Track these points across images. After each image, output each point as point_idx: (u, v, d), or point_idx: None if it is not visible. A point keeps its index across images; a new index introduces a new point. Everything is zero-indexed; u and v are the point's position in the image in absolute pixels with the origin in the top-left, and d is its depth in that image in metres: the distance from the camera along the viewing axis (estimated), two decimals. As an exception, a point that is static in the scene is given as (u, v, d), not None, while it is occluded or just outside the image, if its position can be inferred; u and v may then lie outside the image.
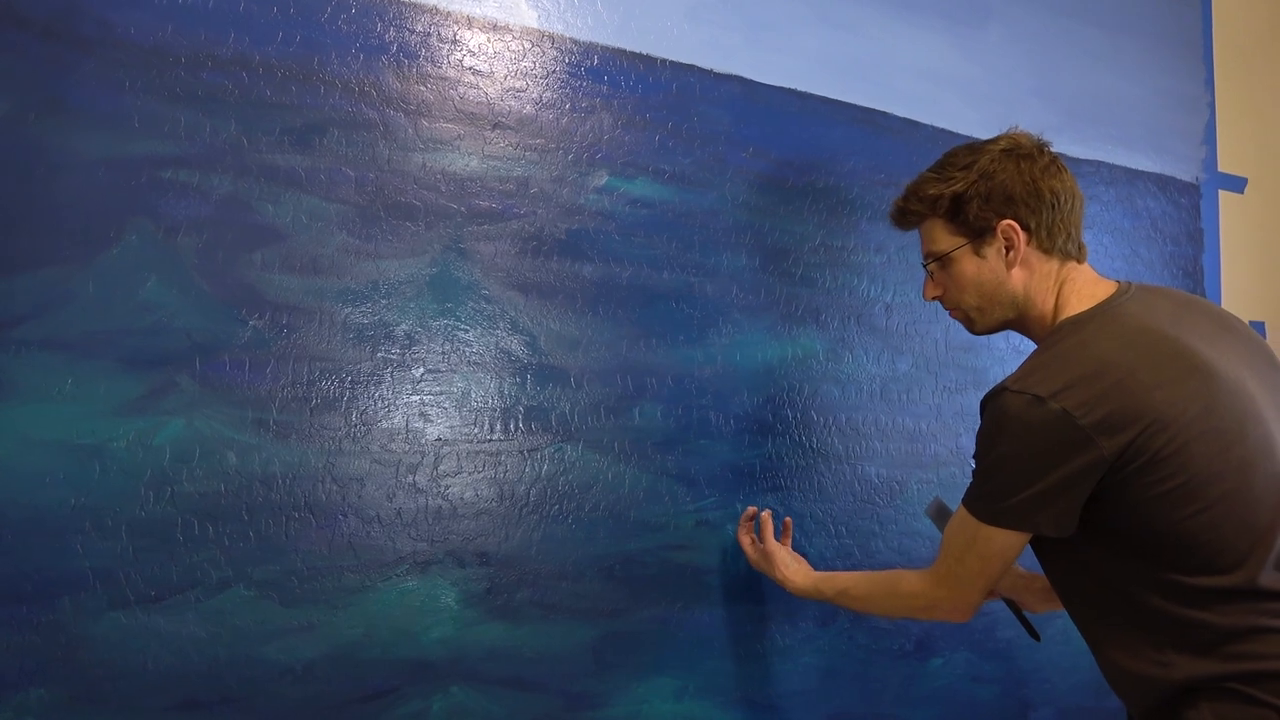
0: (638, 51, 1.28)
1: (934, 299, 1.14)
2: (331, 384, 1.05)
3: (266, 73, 1.06)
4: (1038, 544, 1.02)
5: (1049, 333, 1.04)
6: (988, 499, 0.97)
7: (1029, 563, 1.14)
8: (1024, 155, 1.06)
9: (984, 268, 1.07)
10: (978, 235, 1.06)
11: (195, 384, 0.99)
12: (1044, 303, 1.06)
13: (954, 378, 1.48)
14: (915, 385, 1.44)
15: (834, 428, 1.37)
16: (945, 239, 1.09)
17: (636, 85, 1.28)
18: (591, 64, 1.25)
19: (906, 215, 1.13)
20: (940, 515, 1.22)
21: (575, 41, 1.24)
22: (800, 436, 1.34)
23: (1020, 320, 1.09)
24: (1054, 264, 1.06)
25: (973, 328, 1.13)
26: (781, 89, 1.38)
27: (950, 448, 1.46)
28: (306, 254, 1.06)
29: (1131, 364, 0.93)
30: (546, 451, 1.16)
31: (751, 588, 1.28)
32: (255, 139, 1.04)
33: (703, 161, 1.31)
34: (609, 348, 1.21)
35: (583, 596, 1.16)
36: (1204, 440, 0.91)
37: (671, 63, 1.30)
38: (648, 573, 1.21)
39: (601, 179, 1.24)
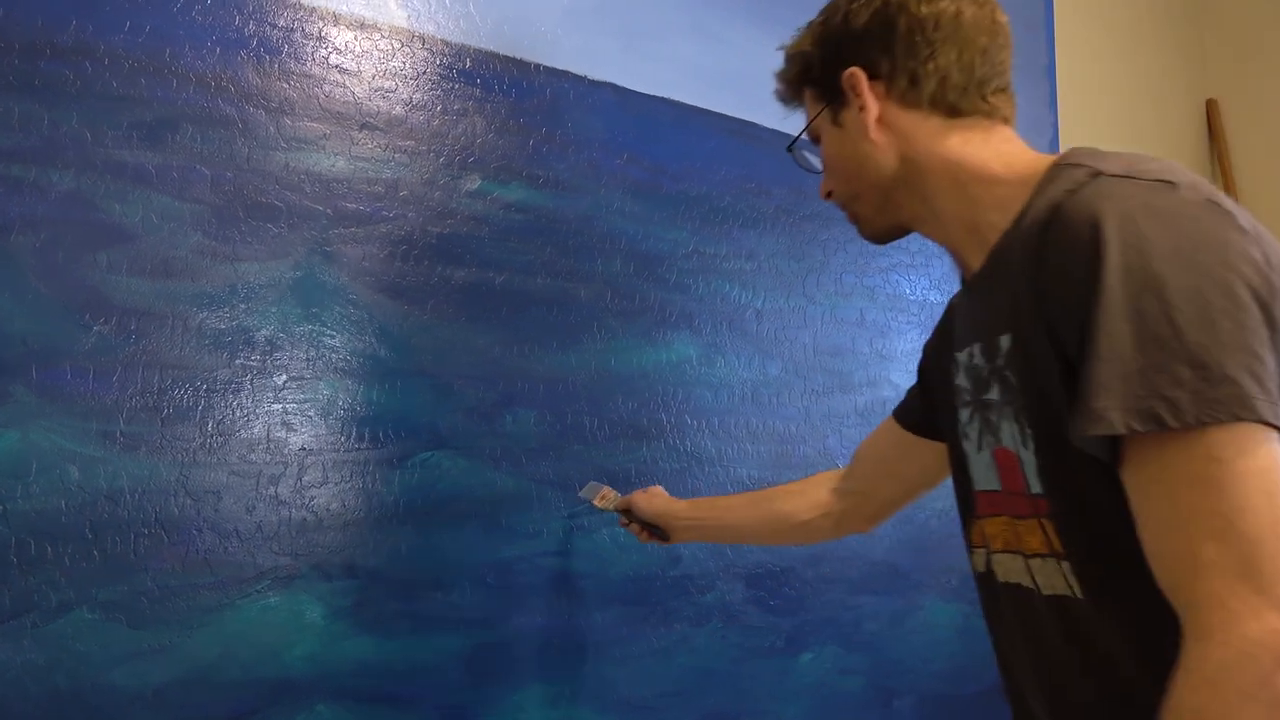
0: (511, 56, 1.27)
1: (826, 197, 0.88)
2: (185, 392, 1.00)
3: (113, 63, 1.00)
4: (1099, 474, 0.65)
5: (1010, 191, 0.72)
6: (1222, 383, 0.57)
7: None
8: None
9: (844, 140, 0.81)
10: (832, 97, 0.81)
11: (31, 394, 0.92)
12: (945, 173, 0.77)
13: (821, 381, 1.53)
14: (785, 389, 1.49)
15: (707, 431, 1.39)
16: (811, 111, 0.85)
17: (510, 90, 1.27)
18: (464, 66, 1.23)
19: (782, 85, 0.88)
20: (593, 492, 1.21)
21: (447, 43, 1.22)
22: (674, 440, 1.36)
23: (914, 208, 0.80)
24: (937, 122, 0.77)
25: (861, 227, 0.86)
26: (655, 97, 1.40)
27: (818, 449, 1.51)
28: (157, 255, 1.00)
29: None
30: (417, 459, 1.13)
31: (626, 591, 1.29)
32: (100, 133, 0.98)
33: (577, 167, 1.31)
34: (481, 354, 1.20)
35: (455, 606, 1.14)
36: None
37: (546, 68, 1.30)
38: (522, 580, 1.20)
39: (474, 183, 1.22)
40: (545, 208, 1.28)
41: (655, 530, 1.18)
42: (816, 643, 1.47)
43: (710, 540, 1.25)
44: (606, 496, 1.21)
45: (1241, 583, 0.54)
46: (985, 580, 0.81)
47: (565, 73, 1.32)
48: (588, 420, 1.28)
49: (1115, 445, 0.61)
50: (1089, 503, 0.66)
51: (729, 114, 1.47)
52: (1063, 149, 2.04)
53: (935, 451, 0.95)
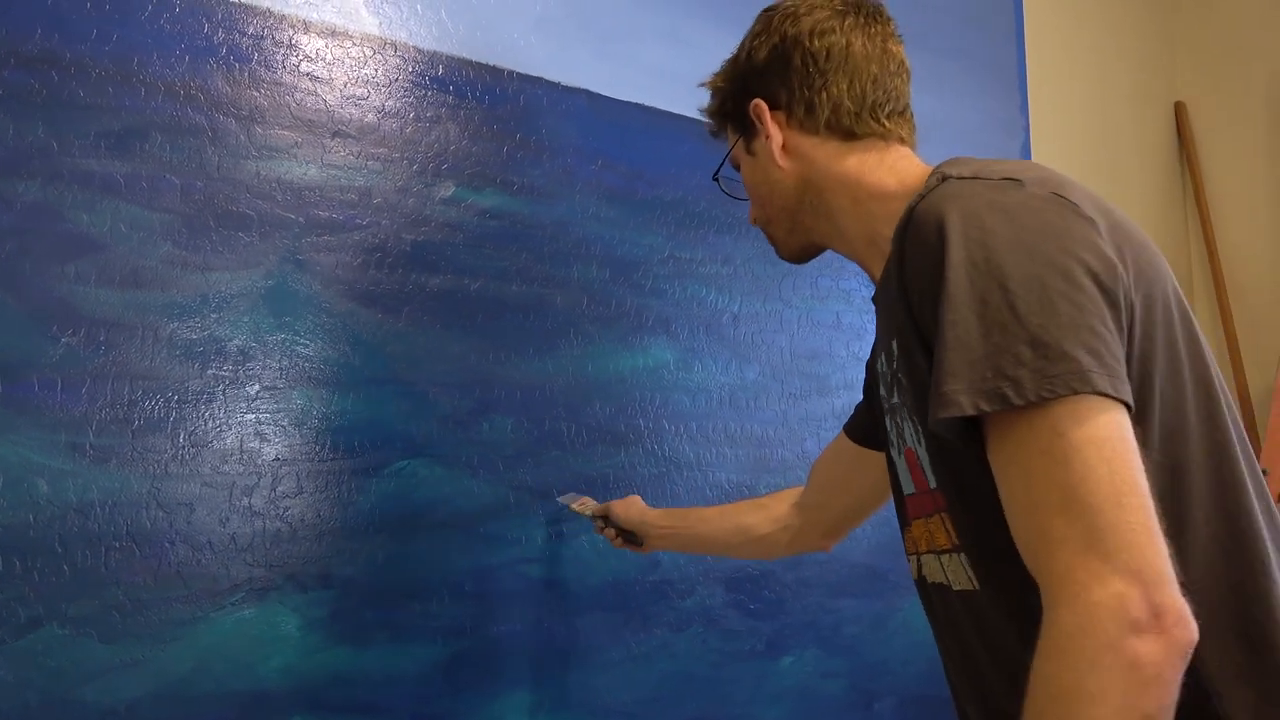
0: (484, 63, 1.27)
1: (753, 223, 0.94)
2: (156, 404, 0.99)
3: (79, 72, 0.99)
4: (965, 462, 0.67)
5: (891, 203, 0.77)
6: (1061, 359, 0.58)
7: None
8: (801, 14, 0.83)
9: (756, 167, 0.87)
10: (744, 128, 0.87)
11: (-2, 407, 0.91)
12: (844, 191, 0.81)
13: (799, 385, 1.54)
14: (762, 393, 1.49)
15: (685, 436, 1.40)
16: (730, 142, 0.92)
17: (483, 96, 1.27)
18: (436, 73, 1.23)
19: (707, 119, 0.95)
20: (571, 499, 1.23)
21: (419, 50, 1.22)
22: (653, 445, 1.36)
23: (821, 227, 0.86)
24: (835, 145, 0.82)
25: (778, 249, 0.92)
26: (628, 103, 1.40)
27: (796, 452, 1.51)
28: (127, 265, 0.99)
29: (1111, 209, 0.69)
30: (392, 468, 1.13)
31: (605, 597, 1.28)
32: (67, 142, 0.97)
33: (551, 173, 1.31)
34: (457, 361, 1.19)
35: (433, 615, 1.13)
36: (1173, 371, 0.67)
37: (519, 74, 1.30)
38: (500, 588, 1.19)
39: (448, 190, 1.22)
40: (520, 214, 1.27)
41: (630, 536, 1.19)
42: (797, 646, 1.47)
43: (682, 550, 1.27)
44: (585, 503, 1.22)
45: (1087, 553, 0.55)
46: (921, 586, 0.83)
47: (538, 79, 1.32)
48: (565, 426, 1.28)
49: (972, 431, 0.63)
50: (971, 493, 0.68)
51: (703, 119, 1.47)
52: (1034, 152, 2.06)
53: (884, 464, 0.97)
